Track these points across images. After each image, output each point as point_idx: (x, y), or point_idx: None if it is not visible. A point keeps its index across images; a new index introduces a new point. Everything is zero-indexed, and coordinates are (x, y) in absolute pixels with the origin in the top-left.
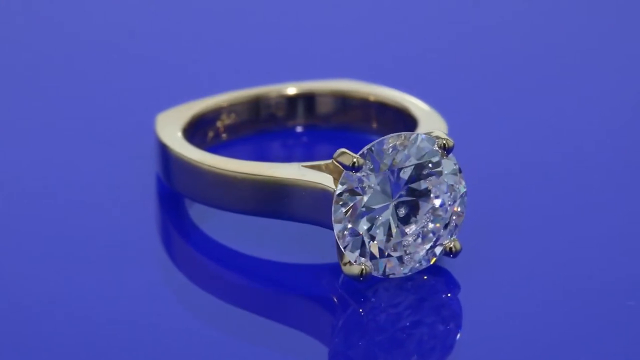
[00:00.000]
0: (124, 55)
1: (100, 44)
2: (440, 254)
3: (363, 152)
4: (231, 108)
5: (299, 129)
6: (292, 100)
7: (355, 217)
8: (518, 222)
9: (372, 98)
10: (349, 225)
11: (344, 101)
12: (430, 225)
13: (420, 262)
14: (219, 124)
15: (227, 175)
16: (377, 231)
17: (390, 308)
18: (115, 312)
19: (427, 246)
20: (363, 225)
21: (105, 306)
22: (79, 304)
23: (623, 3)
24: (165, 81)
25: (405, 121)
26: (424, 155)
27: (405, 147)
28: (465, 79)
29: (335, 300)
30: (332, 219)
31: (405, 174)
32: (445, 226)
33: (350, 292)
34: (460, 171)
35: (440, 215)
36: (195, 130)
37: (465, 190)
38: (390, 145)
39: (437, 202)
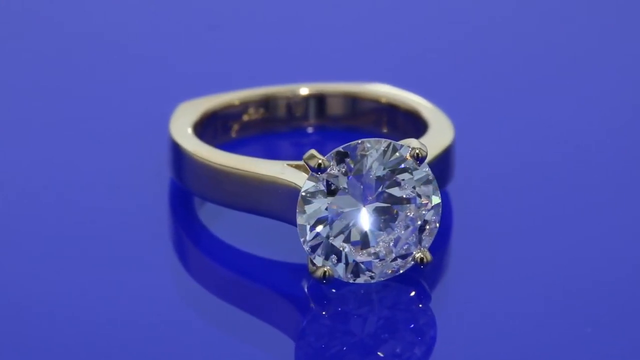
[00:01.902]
0: (136, 54)
1: (113, 44)
2: (410, 263)
3: (331, 155)
4: (243, 106)
5: (309, 130)
6: (304, 100)
7: (321, 220)
8: (516, 224)
9: (383, 100)
10: (315, 227)
11: (355, 103)
12: (402, 234)
13: (390, 269)
14: (231, 120)
15: (214, 168)
16: (345, 235)
17: (357, 314)
18: (119, 313)
19: (397, 254)
20: (328, 228)
21: (111, 306)
22: (85, 304)
23: (624, 3)
24: (176, 80)
25: (416, 124)
26: (396, 163)
27: (378, 153)
28: (469, 79)
29: (312, 304)
30: (296, 219)
31: (377, 180)
32: (417, 236)
33: (317, 295)
34: (433, 181)
35: (411, 225)
36: (207, 126)
37: (439, 201)
38: (364, 149)
39: (409, 211)
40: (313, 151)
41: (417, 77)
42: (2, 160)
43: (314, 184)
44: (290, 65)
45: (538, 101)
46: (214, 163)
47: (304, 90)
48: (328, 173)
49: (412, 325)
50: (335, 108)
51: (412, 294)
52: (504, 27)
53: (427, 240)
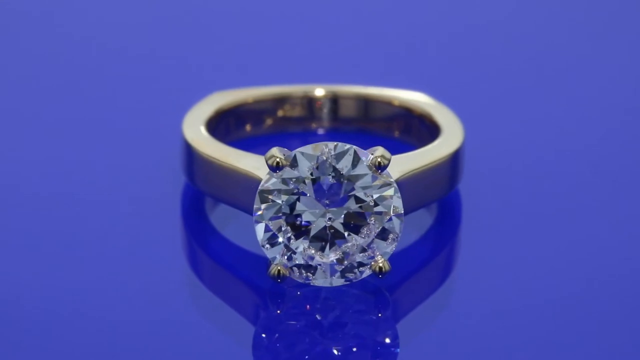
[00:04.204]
0: (147, 55)
1: (127, 44)
2: (368, 271)
3: (290, 155)
4: (257, 104)
5: (322, 131)
6: (316, 101)
7: (278, 219)
8: (523, 224)
9: (396, 103)
10: (272, 226)
11: (369, 105)
12: (362, 241)
13: (349, 274)
14: (244, 118)
15: (203, 158)
16: (302, 237)
17: (311, 316)
18: (125, 314)
19: (356, 261)
20: (286, 228)
21: (117, 307)
22: (92, 303)
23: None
24: (190, 79)
25: (429, 127)
26: (359, 170)
27: (341, 158)
28: (478, 79)
29: (270, 305)
30: (253, 217)
31: (339, 185)
32: (378, 244)
33: (275, 295)
34: (397, 190)
35: (372, 232)
36: (220, 122)
37: (401, 210)
38: (326, 153)
39: (370, 218)
40: (274, 149)
41: (427, 78)
42: (7, 160)
43: (273, 181)
44: (306, 65)
45: (546, 101)
46: (202, 153)
47: (318, 91)
48: (288, 172)
49: (372, 332)
50: (348, 110)
51: (372, 300)
52: (512, 27)
53: (389, 249)
